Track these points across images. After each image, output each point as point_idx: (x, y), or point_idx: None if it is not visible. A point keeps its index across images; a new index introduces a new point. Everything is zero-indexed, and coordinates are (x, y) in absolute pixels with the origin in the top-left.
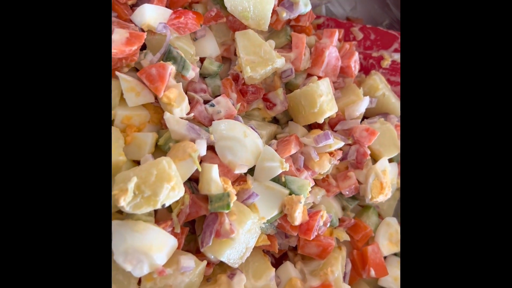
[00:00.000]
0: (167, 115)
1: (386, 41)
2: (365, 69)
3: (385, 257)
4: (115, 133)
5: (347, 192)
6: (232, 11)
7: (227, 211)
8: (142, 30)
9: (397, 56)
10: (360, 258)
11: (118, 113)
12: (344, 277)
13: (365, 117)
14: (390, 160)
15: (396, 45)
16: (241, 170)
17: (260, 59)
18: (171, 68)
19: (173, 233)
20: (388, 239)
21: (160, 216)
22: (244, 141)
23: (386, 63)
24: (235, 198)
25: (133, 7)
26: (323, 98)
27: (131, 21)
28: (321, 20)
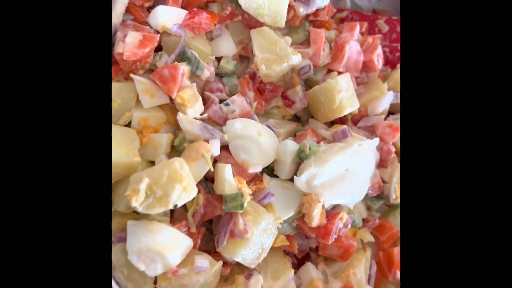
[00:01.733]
0: (180, 116)
1: None
2: (391, 63)
3: None
4: (131, 134)
5: (371, 191)
6: (247, 8)
7: (241, 211)
8: (158, 32)
9: None
10: (386, 260)
11: (135, 115)
12: (368, 280)
13: (392, 112)
14: None
15: None
16: (255, 169)
17: (275, 57)
18: (182, 68)
19: (188, 233)
20: None
21: (178, 216)
22: (259, 139)
23: None
24: (249, 198)
25: (150, 9)
26: (342, 94)
27: (147, 23)
28: (345, 14)
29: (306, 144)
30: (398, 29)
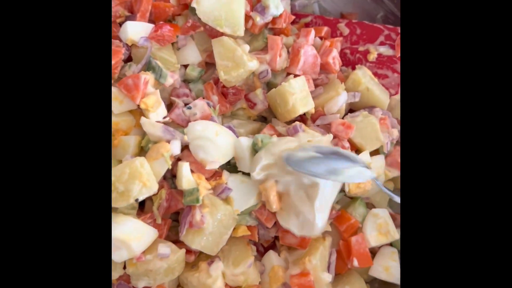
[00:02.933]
0: (142, 120)
1: (372, 35)
2: (353, 63)
3: (379, 248)
4: None
5: None
6: (206, 20)
7: (198, 204)
8: (128, 45)
9: (382, 49)
10: (345, 249)
11: None
12: (328, 267)
13: (353, 110)
14: (376, 153)
15: (382, 38)
16: (212, 166)
17: (233, 64)
18: (144, 77)
19: (154, 224)
20: (376, 229)
21: (147, 210)
22: (216, 139)
23: (372, 57)
24: (205, 192)
25: (121, 24)
26: (295, 96)
27: (118, 38)
28: (309, 19)
29: (258, 138)
30: (358, 31)
